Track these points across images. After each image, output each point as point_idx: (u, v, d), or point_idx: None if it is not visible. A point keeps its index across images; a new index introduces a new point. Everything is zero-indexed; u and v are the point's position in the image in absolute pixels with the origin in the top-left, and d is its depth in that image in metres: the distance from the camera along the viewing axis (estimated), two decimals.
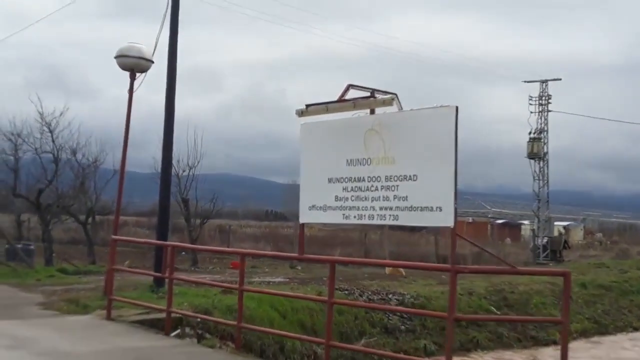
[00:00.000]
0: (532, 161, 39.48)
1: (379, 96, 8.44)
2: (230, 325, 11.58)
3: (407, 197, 8.15)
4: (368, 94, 8.74)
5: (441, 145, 7.80)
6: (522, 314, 20.63)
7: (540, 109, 39.50)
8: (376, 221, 8.61)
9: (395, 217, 8.30)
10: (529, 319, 20.16)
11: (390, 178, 8.37)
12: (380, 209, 8.46)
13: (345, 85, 8.70)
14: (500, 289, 22.04)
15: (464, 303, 19.86)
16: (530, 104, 39.70)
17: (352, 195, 8.84)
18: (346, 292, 18.80)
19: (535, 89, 39.86)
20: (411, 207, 8.09)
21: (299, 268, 28.24)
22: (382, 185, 8.47)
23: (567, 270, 7.19)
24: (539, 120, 39.42)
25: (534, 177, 39.58)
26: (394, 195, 8.30)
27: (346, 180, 8.91)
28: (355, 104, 8.67)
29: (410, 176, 8.14)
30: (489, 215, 75.66)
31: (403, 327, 18.21)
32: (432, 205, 7.87)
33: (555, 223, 62.28)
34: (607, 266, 35.32)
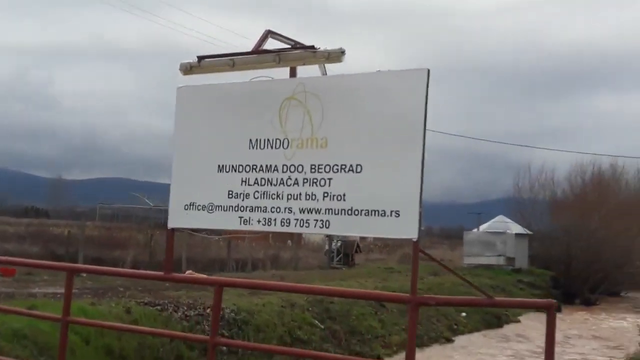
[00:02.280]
0: None
1: (322, 48, 5.98)
2: None
3: (344, 195, 5.80)
4: (289, 47, 6.25)
5: (404, 123, 5.58)
6: (345, 327, 19.16)
7: None
8: (294, 228, 6.13)
9: (325, 224, 5.90)
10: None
11: (320, 168, 5.96)
12: (302, 211, 6.01)
13: (263, 32, 6.11)
14: (320, 299, 20.36)
15: (287, 316, 17.92)
16: None
17: (257, 191, 6.27)
18: (158, 307, 15.89)
19: None
20: (351, 210, 5.75)
21: (84, 275, 24.34)
22: (305, 178, 6.03)
23: (551, 302, 5.33)
24: None
25: None
26: (325, 193, 5.91)
27: (248, 169, 6.34)
28: (282, 57, 6.13)
29: (350, 166, 5.80)
30: None
31: (225, 347, 15.74)
32: (384, 208, 5.60)
33: None
34: (399, 271, 35.54)
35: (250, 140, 6.33)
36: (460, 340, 22.53)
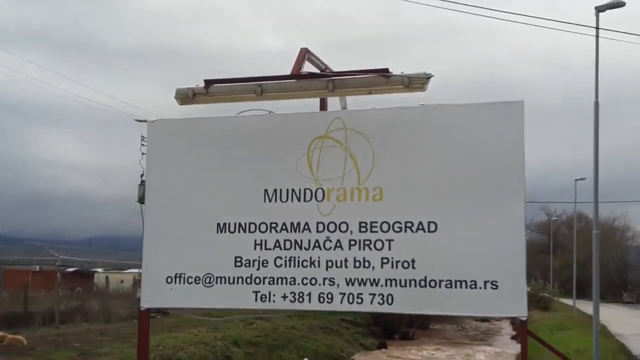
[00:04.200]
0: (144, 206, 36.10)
1: (399, 72, 4.67)
2: None
3: (412, 261, 4.56)
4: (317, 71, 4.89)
5: (497, 166, 4.51)
6: None
7: None
8: (339, 305, 4.74)
9: (387, 299, 4.61)
10: None
11: (373, 226, 4.69)
12: (351, 283, 4.66)
13: (299, 51, 4.69)
14: (168, 357, 18.21)
15: None
16: (143, 145, 36.53)
17: (279, 257, 4.82)
18: None
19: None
20: (424, 280, 4.53)
21: None
22: (352, 240, 4.70)
23: None
24: None
25: (143, 224, 36.13)
26: (384, 259, 4.63)
27: (264, 228, 4.88)
28: (337, 83, 4.76)
29: (420, 224, 4.60)
30: (57, 264, 69.01)
31: None
32: (473, 278, 4.46)
33: (131, 270, 59.41)
34: (220, 316, 33.77)
35: (266, 190, 4.87)
36: None
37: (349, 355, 27.42)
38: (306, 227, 4.77)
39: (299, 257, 4.75)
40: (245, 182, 4.92)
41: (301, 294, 4.73)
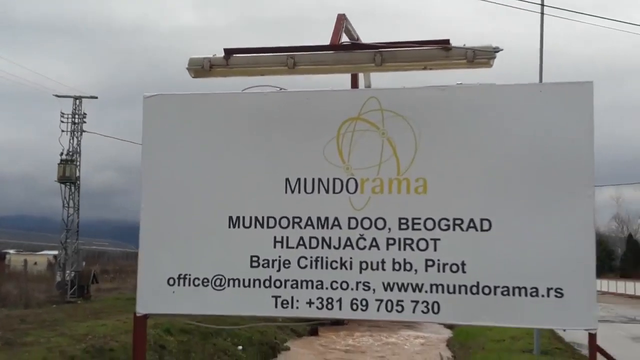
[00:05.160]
0: (64, 186, 34.22)
1: (461, 45, 4.05)
2: None
3: (462, 264, 4.00)
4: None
5: (562, 156, 3.98)
6: None
7: (73, 128, 34.72)
8: (375, 313, 4.13)
9: (432, 308, 4.03)
10: None
11: (416, 223, 4.09)
12: (389, 288, 4.06)
13: (336, 17, 4.01)
14: (99, 346, 17.20)
15: None
16: (63, 122, 34.57)
17: (304, 257, 4.16)
18: None
19: (68, 106, 34.96)
20: (476, 287, 3.98)
21: None
22: (391, 238, 4.10)
23: None
24: (72, 141, 34.56)
25: (63, 204, 34.30)
26: (428, 261, 4.05)
27: (286, 223, 4.21)
28: (386, 56, 4.11)
29: (471, 222, 4.03)
30: None
31: None
32: (534, 284, 3.93)
33: (44, 252, 56.93)
34: None
35: (288, 180, 4.20)
36: None
37: (282, 342, 26.97)
38: (336, 222, 4.12)
39: (327, 258, 4.11)
40: (264, 170, 4.23)
41: (330, 300, 4.09)
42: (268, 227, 4.18)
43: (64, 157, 34.15)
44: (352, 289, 4.07)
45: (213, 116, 4.33)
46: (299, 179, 4.18)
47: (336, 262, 4.09)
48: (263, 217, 4.19)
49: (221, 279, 4.18)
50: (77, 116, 35.19)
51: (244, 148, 4.27)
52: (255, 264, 4.16)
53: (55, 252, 50.87)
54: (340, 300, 4.08)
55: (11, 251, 58.09)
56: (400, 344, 27.83)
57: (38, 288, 36.94)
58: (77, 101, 35.25)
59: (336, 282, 4.08)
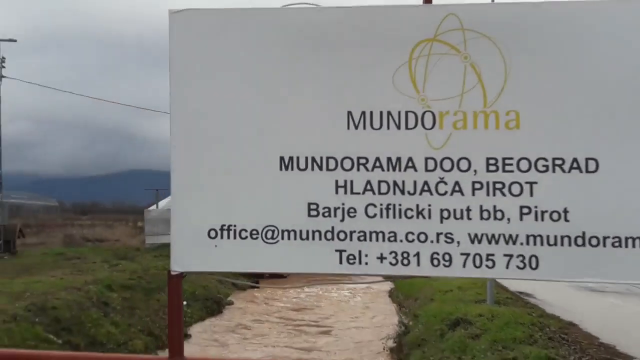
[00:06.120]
0: None
1: None
2: None
3: (565, 211, 3.43)
4: None
5: None
6: (84, 338, 15.53)
7: None
8: (460, 270, 3.51)
9: (529, 263, 3.45)
10: None
11: (507, 164, 3.48)
12: (476, 240, 3.46)
13: None
14: (42, 304, 16.20)
15: (17, 335, 13.82)
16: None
17: (372, 204, 3.51)
18: None
19: None
20: (582, 237, 3.41)
21: None
22: (477, 182, 3.48)
23: None
24: None
25: None
26: (524, 208, 3.45)
27: (349, 164, 3.53)
28: None
29: (575, 161, 3.45)
30: None
31: None
32: None
33: None
34: (77, 257, 31.44)
35: (350, 113, 3.51)
36: (194, 333, 20.18)
37: (225, 296, 26.45)
38: (410, 164, 3.47)
39: (400, 205, 3.46)
40: (321, 102, 3.52)
41: (406, 255, 3.46)
42: (328, 169, 3.49)
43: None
44: (431, 242, 3.45)
45: (257, 37, 3.57)
46: (363, 113, 3.50)
47: (411, 210, 3.46)
48: (322, 158, 3.50)
49: (273, 231, 3.48)
50: None
51: (295, 76, 3.54)
52: (313, 212, 3.48)
53: None
54: (417, 254, 3.45)
55: None
56: (344, 298, 27.67)
57: None
58: None
59: (412, 233, 3.45)
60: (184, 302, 22.86)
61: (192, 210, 3.52)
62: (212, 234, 3.51)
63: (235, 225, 3.50)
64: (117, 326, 17.24)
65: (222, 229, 3.50)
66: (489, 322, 14.44)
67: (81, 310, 16.62)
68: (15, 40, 33.84)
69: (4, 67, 33.01)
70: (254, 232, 3.49)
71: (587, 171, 3.40)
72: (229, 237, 3.49)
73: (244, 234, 3.49)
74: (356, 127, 3.50)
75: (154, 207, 40.04)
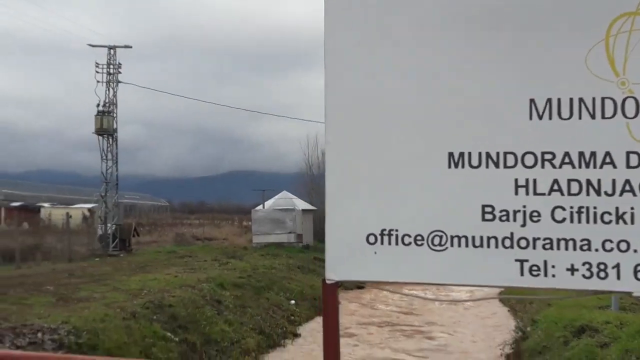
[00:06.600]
0: (101, 138, 33.33)
1: None
2: None
3: None
4: None
5: None
6: (199, 336, 15.58)
7: (109, 79, 33.67)
8: None
9: None
10: None
11: None
12: None
13: None
14: (158, 302, 16.42)
15: (136, 332, 13.96)
16: (98, 72, 33.55)
17: (561, 207, 2.97)
18: None
19: (103, 56, 33.90)
20: None
21: None
22: None
23: None
24: (108, 92, 33.56)
25: (102, 156, 33.49)
26: None
27: (531, 161, 3.01)
28: None
29: None
30: (0, 198, 65.85)
31: None
32: None
33: (78, 205, 56.55)
34: (189, 255, 32.04)
35: (533, 101, 2.98)
36: (305, 333, 20.00)
37: None
38: (607, 159, 2.92)
39: (595, 208, 2.91)
40: (498, 89, 3.02)
41: (602, 267, 2.91)
42: (506, 166, 2.99)
43: (100, 108, 33.24)
44: (634, 251, 2.88)
45: (426, 15, 3.12)
46: (549, 100, 2.97)
47: (609, 214, 2.90)
48: (498, 154, 3.00)
49: (441, 236, 3.02)
50: (111, 66, 34.16)
51: (463, 58, 3.06)
52: (489, 216, 2.99)
53: (89, 206, 50.56)
54: (617, 266, 2.90)
55: (45, 204, 57.92)
56: (455, 307, 26.73)
57: (78, 241, 36.59)
58: (112, 51, 34.17)
59: (610, 241, 2.90)
60: (292, 302, 22.82)
61: (349, 213, 3.11)
62: (371, 239, 3.08)
63: (397, 230, 3.06)
64: (230, 324, 17.29)
65: (382, 234, 3.07)
66: (618, 329, 13.40)
67: (196, 308, 16.74)
68: (130, 47, 34.90)
69: (120, 72, 34.08)
70: (419, 237, 3.04)
71: None
72: (389, 243, 3.06)
73: (407, 240, 3.05)
74: (540, 117, 2.99)
75: (260, 207, 40.44)
